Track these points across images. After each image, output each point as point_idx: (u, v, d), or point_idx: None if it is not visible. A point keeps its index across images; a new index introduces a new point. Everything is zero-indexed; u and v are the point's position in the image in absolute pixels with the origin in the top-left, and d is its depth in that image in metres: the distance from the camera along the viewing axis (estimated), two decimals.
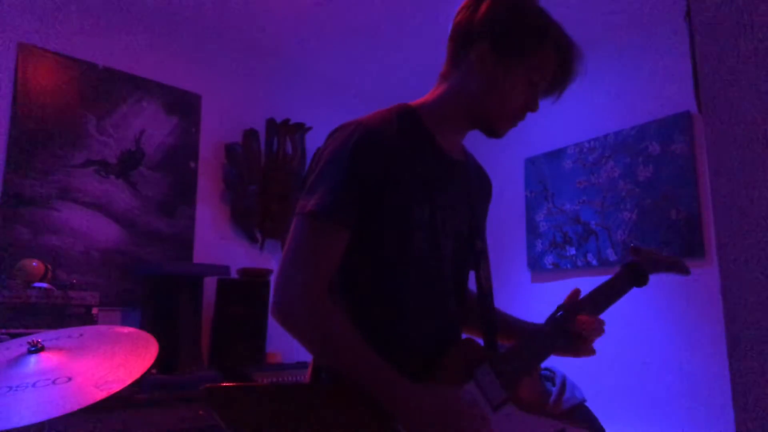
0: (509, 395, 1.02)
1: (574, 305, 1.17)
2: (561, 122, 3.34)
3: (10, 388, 1.17)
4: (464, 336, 1.15)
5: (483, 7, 1.06)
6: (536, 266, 3.32)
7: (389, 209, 1.02)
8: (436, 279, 1.08)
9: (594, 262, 3.03)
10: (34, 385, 1.18)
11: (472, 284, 1.23)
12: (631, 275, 1.23)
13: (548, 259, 3.27)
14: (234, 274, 2.90)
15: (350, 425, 0.94)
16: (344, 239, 1.00)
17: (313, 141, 3.41)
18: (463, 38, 1.09)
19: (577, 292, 1.21)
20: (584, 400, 2.15)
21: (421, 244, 1.04)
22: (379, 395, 0.93)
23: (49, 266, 2.36)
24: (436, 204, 1.07)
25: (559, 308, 1.18)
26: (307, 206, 0.99)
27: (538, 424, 1.04)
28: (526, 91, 1.08)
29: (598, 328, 1.15)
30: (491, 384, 1.02)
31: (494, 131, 1.13)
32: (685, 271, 1.36)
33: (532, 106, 1.11)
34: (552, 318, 1.16)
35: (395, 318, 1.04)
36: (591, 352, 1.15)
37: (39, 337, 1.34)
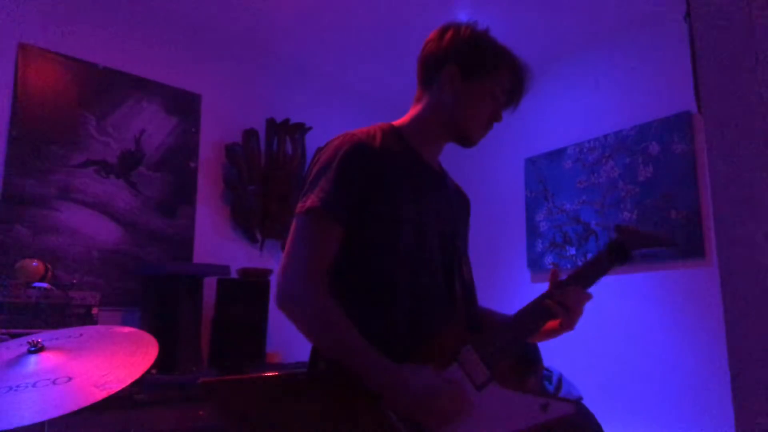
0: (492, 374, 1.08)
1: (560, 285, 1.23)
2: (561, 122, 3.34)
3: (10, 388, 1.17)
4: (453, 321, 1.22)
5: (447, 37, 1.26)
6: (536, 266, 3.32)
7: (378, 207, 1.14)
8: (424, 270, 1.18)
9: None
10: (34, 385, 1.18)
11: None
12: (614, 253, 1.28)
13: (548, 259, 3.27)
14: (234, 274, 2.90)
15: (342, 414, 1.01)
16: (338, 233, 1.13)
17: (313, 141, 3.41)
18: (433, 64, 1.27)
19: (555, 272, 1.26)
20: (581, 398, 2.16)
21: (409, 238, 1.16)
22: (367, 377, 1.02)
23: (49, 266, 2.36)
24: (421, 204, 1.20)
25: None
26: (302, 206, 1.13)
27: (522, 400, 1.08)
28: (490, 103, 1.26)
29: (582, 298, 1.20)
30: (474, 364, 1.08)
31: (467, 140, 1.28)
32: (670, 243, 1.44)
33: (497, 117, 1.28)
34: (534, 300, 1.21)
35: (386, 305, 1.13)
36: (570, 327, 1.20)
37: (39, 337, 1.34)
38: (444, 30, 1.28)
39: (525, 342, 1.20)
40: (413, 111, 1.30)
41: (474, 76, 1.24)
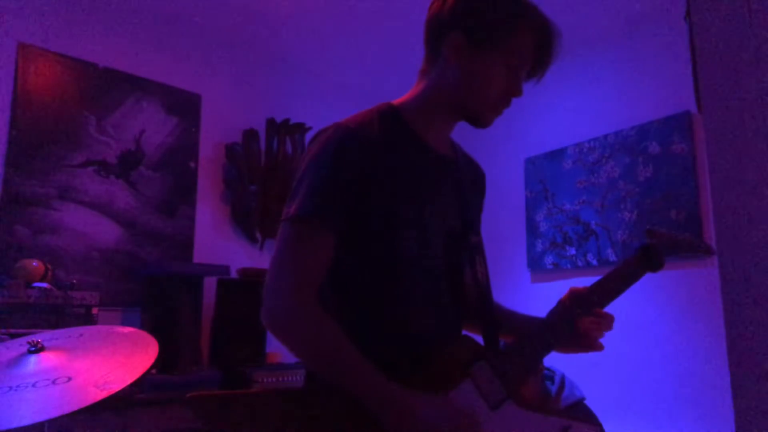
0: (509, 393, 0.98)
1: (581, 299, 1.11)
2: (561, 122, 3.34)
3: (10, 388, 1.16)
4: (463, 333, 1.13)
5: None
6: (536, 266, 3.32)
7: (377, 209, 1.01)
8: (428, 277, 1.06)
9: (594, 262, 3.03)
10: (34, 385, 1.17)
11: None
12: (645, 259, 1.15)
13: (548, 259, 3.26)
14: (234, 274, 2.90)
15: (337, 431, 0.93)
16: (329, 241, 0.98)
17: None
18: (436, 31, 1.07)
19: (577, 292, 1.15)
20: (583, 398, 2.16)
21: (411, 242, 1.03)
22: (369, 403, 0.91)
23: (49, 266, 2.36)
24: (425, 202, 1.06)
25: (561, 303, 1.13)
26: (288, 212, 0.99)
27: (541, 422, 0.99)
28: (505, 76, 1.06)
29: (606, 325, 1.11)
30: (489, 382, 0.97)
31: (479, 121, 1.10)
32: (706, 249, 1.28)
33: (516, 92, 1.08)
34: (555, 313, 1.11)
35: (388, 317, 1.03)
36: (599, 347, 1.11)
37: (39, 337, 1.34)
38: None
39: (542, 358, 1.09)
40: (417, 88, 1.12)
41: (485, 44, 1.03)
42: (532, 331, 1.10)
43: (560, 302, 1.13)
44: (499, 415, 0.96)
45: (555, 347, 1.09)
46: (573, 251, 3.15)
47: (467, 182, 1.19)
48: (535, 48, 1.06)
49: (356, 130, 1.02)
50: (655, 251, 1.15)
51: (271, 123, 3.33)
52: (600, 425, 1.80)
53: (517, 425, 0.97)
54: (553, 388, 2.12)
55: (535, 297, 3.26)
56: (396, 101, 1.13)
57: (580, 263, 3.11)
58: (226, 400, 0.97)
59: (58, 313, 2.22)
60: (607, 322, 1.13)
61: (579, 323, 1.08)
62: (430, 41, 1.10)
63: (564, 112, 3.34)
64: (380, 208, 1.01)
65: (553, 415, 1.01)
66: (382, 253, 1.02)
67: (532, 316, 1.22)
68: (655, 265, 1.16)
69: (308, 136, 3.43)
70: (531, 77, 1.11)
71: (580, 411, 2.06)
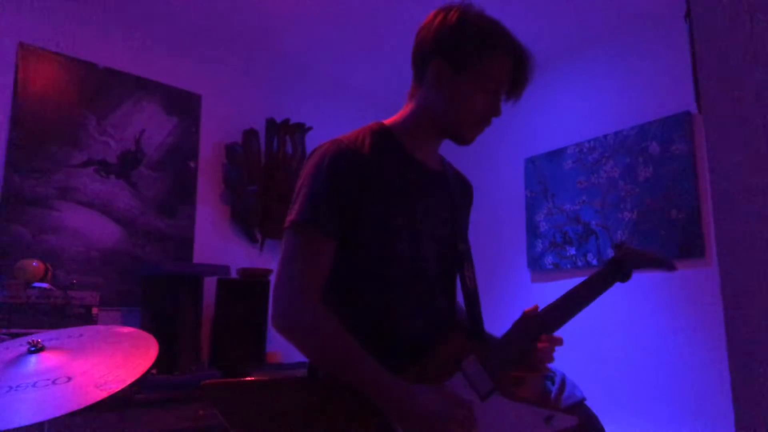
0: (496, 384, 1.06)
1: (537, 323, 1.16)
2: (561, 122, 3.34)
3: (10, 388, 1.16)
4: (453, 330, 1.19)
5: (435, 24, 1.15)
6: (536, 266, 3.32)
7: (371, 218, 1.09)
8: (420, 279, 1.14)
9: (594, 262, 3.03)
10: (34, 385, 1.18)
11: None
12: (614, 271, 1.27)
13: (548, 259, 3.26)
14: (234, 274, 2.90)
15: (344, 418, 0.99)
16: (329, 246, 1.08)
17: (313, 141, 3.41)
18: (421, 58, 1.18)
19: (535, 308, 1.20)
20: (584, 399, 2.16)
21: (403, 248, 1.11)
22: (376, 397, 0.99)
23: (49, 266, 2.36)
24: (416, 211, 1.15)
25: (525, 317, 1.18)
26: (288, 221, 1.09)
27: (526, 411, 1.07)
28: (484, 99, 1.15)
29: (551, 353, 1.15)
30: (478, 374, 1.06)
31: (462, 139, 1.19)
32: (671, 267, 1.41)
33: (495, 112, 1.17)
34: (518, 329, 1.16)
35: (384, 317, 1.10)
36: (543, 369, 1.16)
37: (39, 337, 1.34)
38: (435, 15, 1.17)
39: (527, 354, 1.16)
40: (406, 108, 1.23)
41: (463, 69, 1.12)
42: (511, 332, 1.17)
43: (515, 324, 1.18)
44: (488, 405, 1.05)
45: (532, 349, 1.15)
46: (573, 251, 3.15)
47: (456, 194, 1.28)
48: (510, 72, 1.16)
49: (349, 146, 1.11)
50: (624, 264, 1.28)
51: (271, 123, 3.33)
52: (600, 425, 1.81)
53: (505, 414, 1.06)
54: (554, 389, 2.12)
55: (535, 297, 3.25)
56: (387, 121, 1.22)
57: (580, 263, 3.10)
58: (241, 387, 1.02)
59: (58, 313, 2.22)
60: (553, 347, 1.16)
61: (535, 353, 1.14)
62: (416, 67, 1.20)
63: (564, 112, 3.34)
64: (374, 216, 1.09)
65: (536, 405, 1.09)
66: (377, 256, 1.11)
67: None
68: (625, 276, 1.28)
69: (308, 136, 3.44)
70: (509, 98, 1.20)
71: (580, 412, 2.06)
